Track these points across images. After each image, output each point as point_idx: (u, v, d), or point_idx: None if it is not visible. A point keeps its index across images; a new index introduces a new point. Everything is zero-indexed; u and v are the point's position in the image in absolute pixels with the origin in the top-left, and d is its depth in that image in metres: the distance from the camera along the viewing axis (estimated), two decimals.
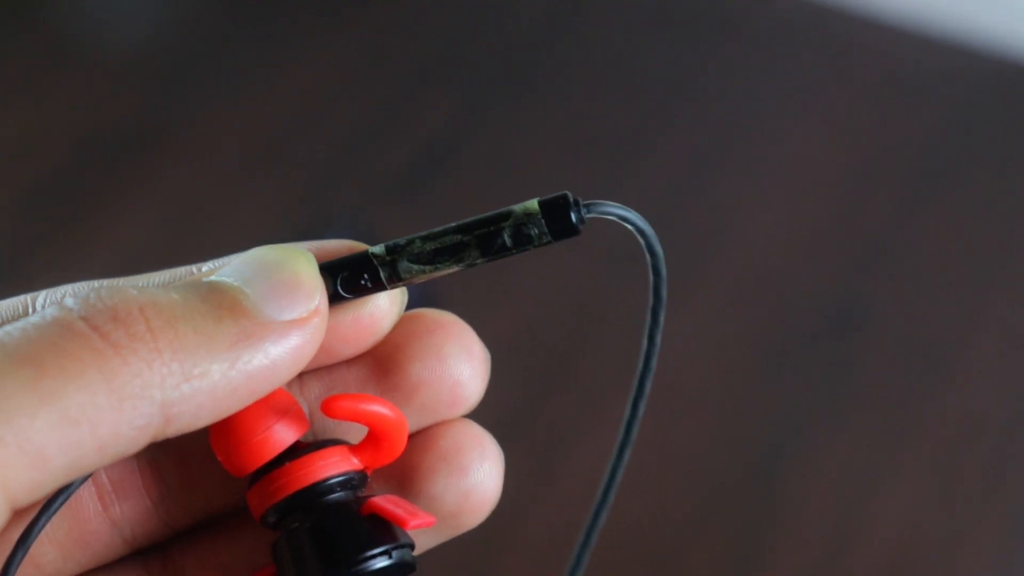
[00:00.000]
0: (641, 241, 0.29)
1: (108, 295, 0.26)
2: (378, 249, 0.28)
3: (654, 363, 0.32)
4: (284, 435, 0.28)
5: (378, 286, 0.28)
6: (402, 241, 0.28)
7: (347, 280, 0.28)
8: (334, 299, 0.28)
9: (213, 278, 0.27)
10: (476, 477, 0.30)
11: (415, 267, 0.28)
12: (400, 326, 0.29)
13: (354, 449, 0.28)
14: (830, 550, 1.00)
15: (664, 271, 0.31)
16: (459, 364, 0.29)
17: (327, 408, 0.27)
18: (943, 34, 1.36)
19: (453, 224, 0.29)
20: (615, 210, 0.29)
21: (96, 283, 0.27)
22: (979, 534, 1.01)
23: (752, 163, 1.27)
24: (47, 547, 0.29)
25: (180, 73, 1.35)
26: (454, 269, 0.29)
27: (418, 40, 1.38)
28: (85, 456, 0.25)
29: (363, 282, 0.28)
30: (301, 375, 0.29)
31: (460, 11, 1.41)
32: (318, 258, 0.28)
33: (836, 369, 1.10)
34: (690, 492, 1.02)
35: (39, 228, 1.21)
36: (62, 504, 0.27)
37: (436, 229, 0.29)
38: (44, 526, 0.27)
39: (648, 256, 0.30)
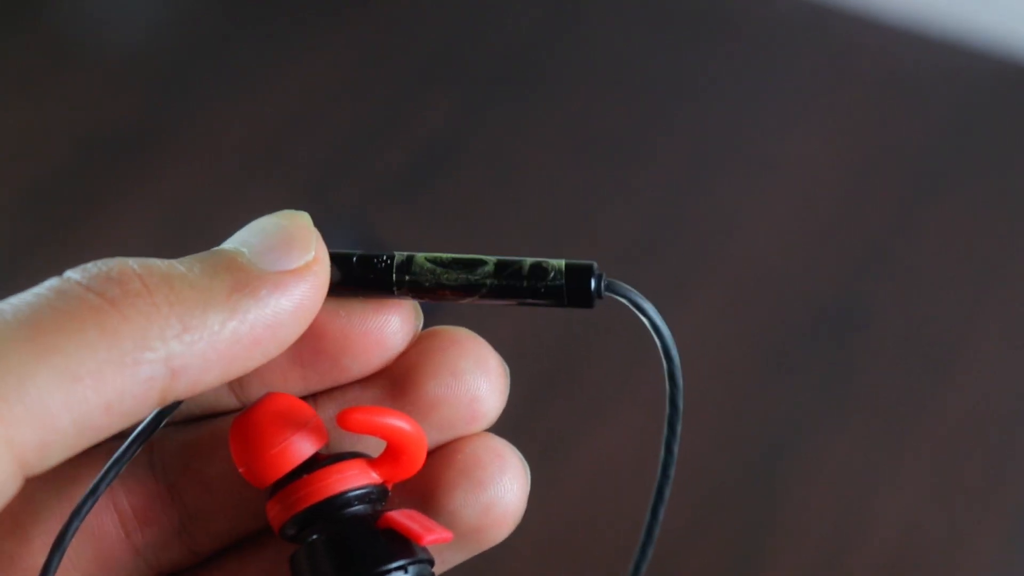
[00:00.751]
0: (657, 341, 0.29)
1: (104, 262, 0.26)
2: (398, 257, 0.28)
3: (672, 473, 0.32)
4: (304, 446, 0.27)
5: (383, 284, 0.28)
6: (418, 254, 0.28)
7: (356, 267, 0.28)
8: (339, 290, 0.28)
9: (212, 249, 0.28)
10: (496, 491, 0.29)
11: (426, 268, 0.28)
12: (415, 344, 0.29)
13: (373, 463, 0.28)
14: (830, 550, 1.00)
15: (680, 379, 0.30)
16: (476, 379, 0.29)
17: (343, 420, 0.27)
18: (943, 34, 1.36)
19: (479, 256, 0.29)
20: (636, 298, 0.29)
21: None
22: (979, 534, 1.01)
23: (752, 163, 1.27)
24: (71, 573, 0.29)
25: (180, 73, 1.35)
26: (461, 294, 0.28)
27: (418, 40, 1.38)
28: (92, 415, 0.25)
29: (370, 277, 0.28)
30: (316, 395, 0.29)
31: (460, 11, 1.41)
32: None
33: (836, 369, 1.10)
34: (690, 492, 1.02)
35: (39, 228, 1.21)
36: (91, 506, 0.27)
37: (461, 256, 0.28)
38: (77, 528, 0.27)
39: (664, 361, 0.30)
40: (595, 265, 0.28)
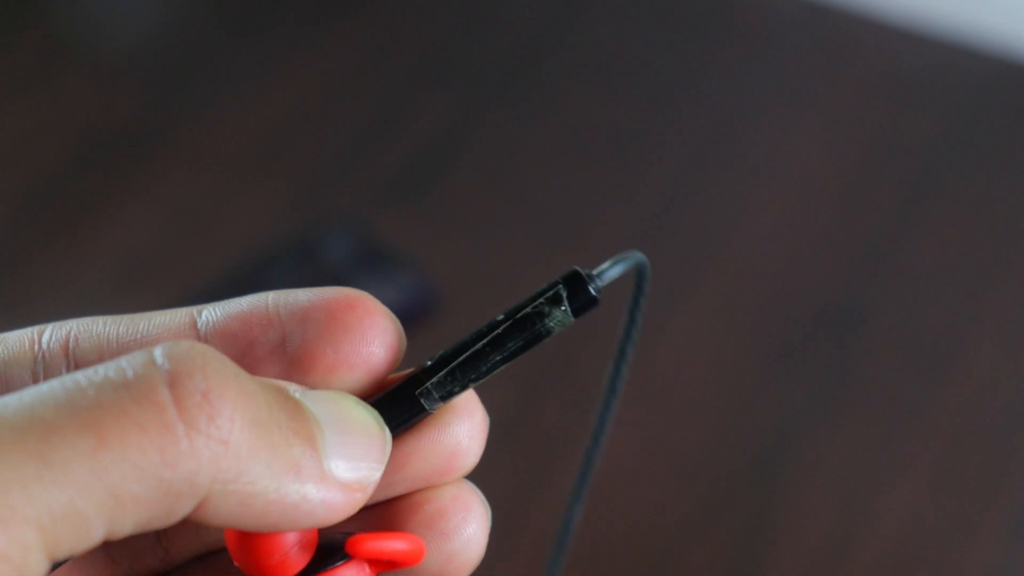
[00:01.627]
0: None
1: (203, 363, 0.25)
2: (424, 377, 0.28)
3: (621, 385, 0.32)
4: (299, 557, 0.27)
5: (417, 413, 0.28)
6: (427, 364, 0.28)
7: (388, 411, 0.28)
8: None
9: (300, 397, 0.27)
10: (459, 541, 0.29)
11: (443, 378, 0.28)
12: None
13: (374, 563, 0.28)
14: (830, 549, 1.00)
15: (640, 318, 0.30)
16: (458, 432, 0.29)
17: (352, 548, 0.27)
18: (943, 34, 1.36)
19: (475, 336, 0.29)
20: (620, 266, 0.29)
21: (191, 343, 0.26)
22: (979, 534, 1.01)
23: (752, 163, 1.27)
24: None
25: (180, 73, 1.35)
26: (486, 371, 0.28)
27: (418, 40, 1.38)
28: (122, 529, 0.24)
29: (405, 418, 0.28)
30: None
31: (460, 11, 1.41)
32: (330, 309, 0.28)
33: (835, 368, 1.10)
34: (690, 492, 1.02)
35: (39, 228, 1.21)
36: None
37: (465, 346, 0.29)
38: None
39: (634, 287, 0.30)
40: (561, 285, 0.28)
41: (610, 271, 0.29)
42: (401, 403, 0.28)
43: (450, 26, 1.40)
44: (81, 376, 0.24)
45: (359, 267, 1.15)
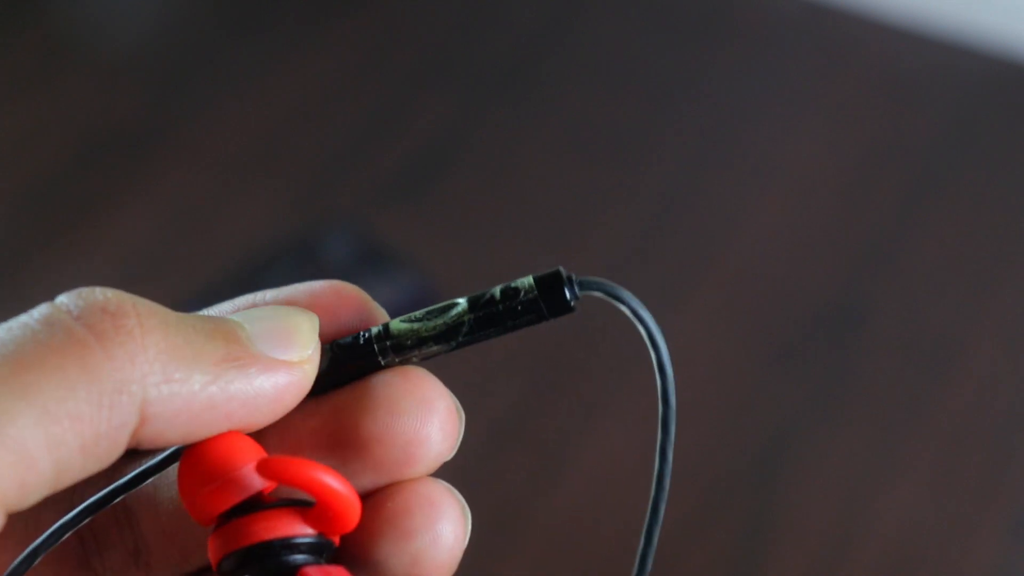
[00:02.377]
0: (641, 330, 0.28)
1: (103, 291, 0.26)
2: (374, 329, 0.28)
3: (667, 483, 0.30)
4: (241, 487, 0.27)
5: (368, 359, 0.28)
6: (390, 320, 0.28)
7: (339, 352, 0.28)
8: (327, 380, 0.28)
9: (214, 313, 0.28)
10: (424, 541, 0.28)
11: (403, 329, 0.28)
12: (365, 380, 0.28)
13: (308, 513, 0.27)
14: (830, 549, 1.00)
15: (670, 369, 0.29)
16: (414, 419, 0.27)
17: (261, 467, 0.26)
18: (943, 34, 1.36)
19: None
20: (613, 290, 0.28)
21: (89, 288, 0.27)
22: (979, 534, 1.01)
23: (752, 163, 1.27)
24: None
25: (180, 73, 1.35)
26: (445, 341, 0.28)
27: (418, 40, 1.38)
28: (69, 457, 0.24)
29: (355, 357, 0.28)
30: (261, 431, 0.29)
31: (460, 11, 1.41)
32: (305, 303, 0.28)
33: (836, 369, 1.10)
34: (690, 492, 1.02)
35: (39, 228, 1.21)
36: (28, 568, 0.27)
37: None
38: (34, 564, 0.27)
39: (651, 350, 0.28)
40: (562, 269, 0.28)
41: (600, 288, 0.28)
42: (355, 349, 0.28)
43: (450, 26, 1.40)
44: None
45: (359, 267, 1.15)
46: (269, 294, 0.29)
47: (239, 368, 0.26)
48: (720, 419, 1.07)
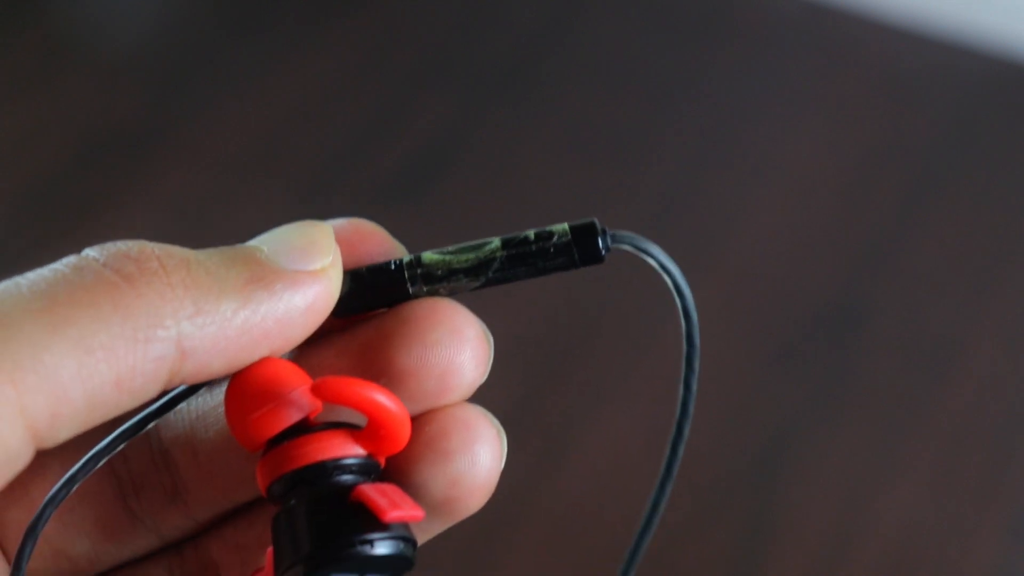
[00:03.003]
0: (668, 280, 0.29)
1: (124, 242, 0.26)
2: (406, 257, 0.29)
3: (691, 409, 0.31)
4: (290, 412, 0.27)
5: (398, 285, 0.28)
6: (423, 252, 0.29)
7: (368, 275, 0.29)
8: (355, 303, 0.28)
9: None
10: (462, 463, 0.28)
11: (435, 259, 0.28)
12: (393, 313, 0.29)
13: (358, 435, 0.28)
14: (830, 550, 1.00)
15: (695, 314, 0.30)
16: (448, 351, 0.28)
17: (317, 389, 0.27)
18: (943, 34, 1.36)
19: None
20: (642, 244, 0.29)
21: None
22: (979, 534, 1.01)
23: (752, 163, 1.27)
24: (77, 537, 0.29)
25: (180, 73, 1.35)
26: (475, 275, 0.28)
27: (418, 40, 1.38)
28: (103, 389, 0.25)
29: (383, 281, 0.29)
30: (295, 357, 0.30)
31: (460, 11, 1.41)
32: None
33: (835, 369, 1.10)
34: (689, 492, 1.02)
35: (39, 228, 1.21)
36: (65, 496, 0.27)
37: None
38: (49, 517, 0.27)
39: (677, 298, 0.29)
40: (597, 221, 0.29)
41: (630, 242, 0.29)
42: (385, 274, 0.28)
43: (450, 26, 1.40)
44: (19, 278, 0.26)
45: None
46: (285, 225, 0.29)
47: (265, 287, 0.27)
48: (720, 419, 1.07)
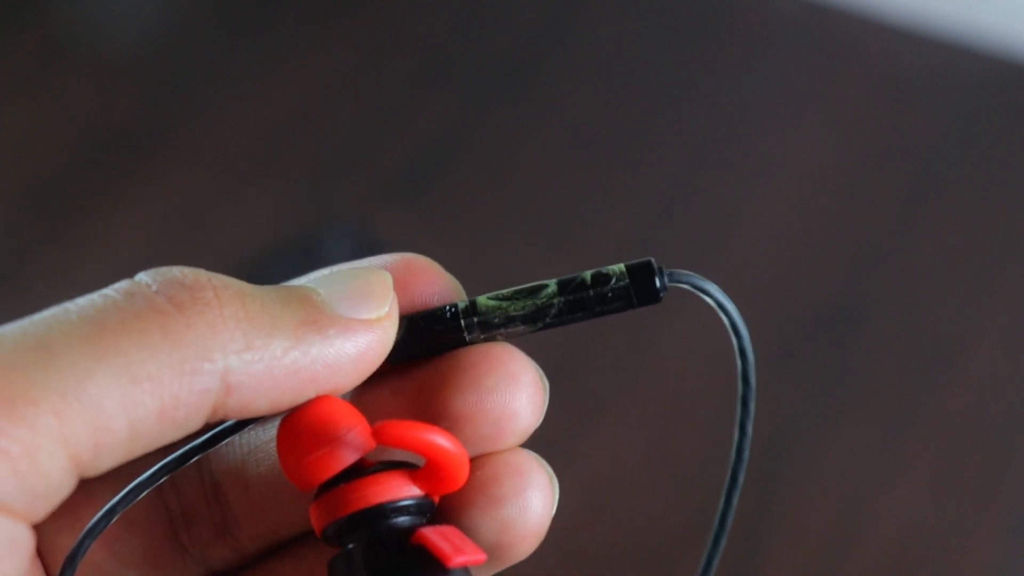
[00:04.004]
0: (725, 320, 0.29)
1: (179, 269, 0.26)
2: (461, 304, 0.28)
3: (747, 455, 0.31)
4: (346, 453, 0.27)
5: (454, 332, 0.28)
6: (478, 297, 0.28)
7: (422, 322, 0.28)
8: (410, 350, 0.28)
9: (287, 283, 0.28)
10: (513, 509, 0.28)
11: (491, 306, 0.28)
12: (449, 357, 0.28)
13: (416, 475, 0.27)
14: (830, 550, 1.00)
15: (751, 353, 0.30)
16: (504, 397, 0.28)
17: (379, 434, 0.26)
18: (943, 34, 1.36)
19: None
20: (700, 283, 0.29)
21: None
22: (979, 534, 1.01)
23: (752, 163, 1.27)
24: (124, 568, 0.29)
25: (180, 73, 1.35)
26: (532, 321, 0.28)
27: (418, 40, 1.38)
28: (146, 420, 0.25)
29: (438, 328, 0.28)
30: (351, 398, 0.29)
31: (460, 11, 1.41)
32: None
33: (835, 369, 1.10)
34: (689, 492, 1.02)
35: (39, 228, 1.21)
36: (105, 527, 0.27)
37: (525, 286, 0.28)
38: (88, 548, 0.26)
39: (733, 337, 0.30)
40: (653, 261, 0.28)
41: (688, 281, 0.29)
42: (441, 321, 0.28)
43: (450, 26, 1.40)
44: (69, 304, 0.25)
45: None
46: (342, 267, 0.29)
47: (318, 331, 0.26)
48: (720, 419, 1.07)
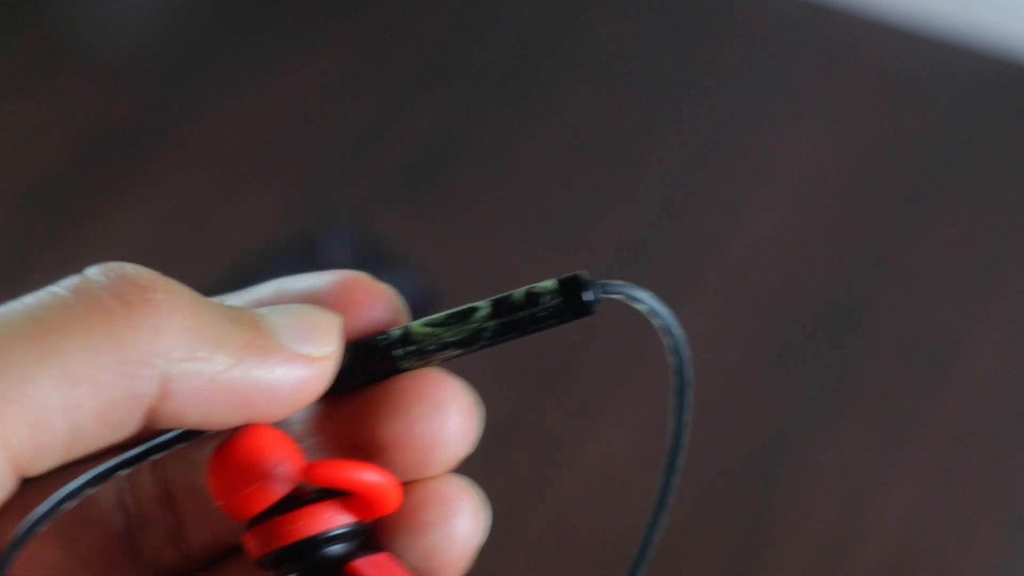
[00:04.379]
0: (656, 324, 0.29)
1: (133, 266, 0.26)
2: (396, 332, 0.28)
3: (684, 441, 0.31)
4: (278, 486, 0.27)
5: (388, 362, 0.28)
6: (412, 323, 0.28)
7: (357, 352, 0.28)
8: (345, 382, 0.28)
9: (237, 300, 0.28)
10: (438, 536, 0.28)
11: (425, 333, 0.28)
12: (384, 383, 0.28)
13: (349, 502, 0.27)
14: (830, 550, 1.00)
15: (685, 352, 0.30)
16: (430, 424, 0.28)
17: (308, 474, 0.26)
18: (943, 34, 1.36)
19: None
20: (631, 292, 0.28)
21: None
22: (979, 534, 1.01)
23: (752, 163, 1.27)
24: (79, 567, 0.29)
25: (180, 73, 1.35)
26: (466, 345, 0.28)
27: (418, 40, 1.38)
28: (85, 422, 0.25)
29: (374, 359, 0.28)
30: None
31: (460, 11, 1.41)
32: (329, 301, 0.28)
33: (836, 369, 1.10)
34: (689, 492, 1.02)
35: (39, 228, 1.21)
36: (29, 538, 0.26)
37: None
38: (13, 559, 0.26)
39: (666, 337, 0.29)
40: (582, 274, 0.28)
41: (618, 291, 0.28)
42: (375, 352, 0.28)
43: (450, 26, 1.40)
44: (16, 302, 0.25)
45: (359, 267, 1.14)
46: (288, 282, 0.29)
47: (261, 356, 0.26)
48: (720, 419, 1.07)
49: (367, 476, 0.27)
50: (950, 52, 1.36)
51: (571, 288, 0.28)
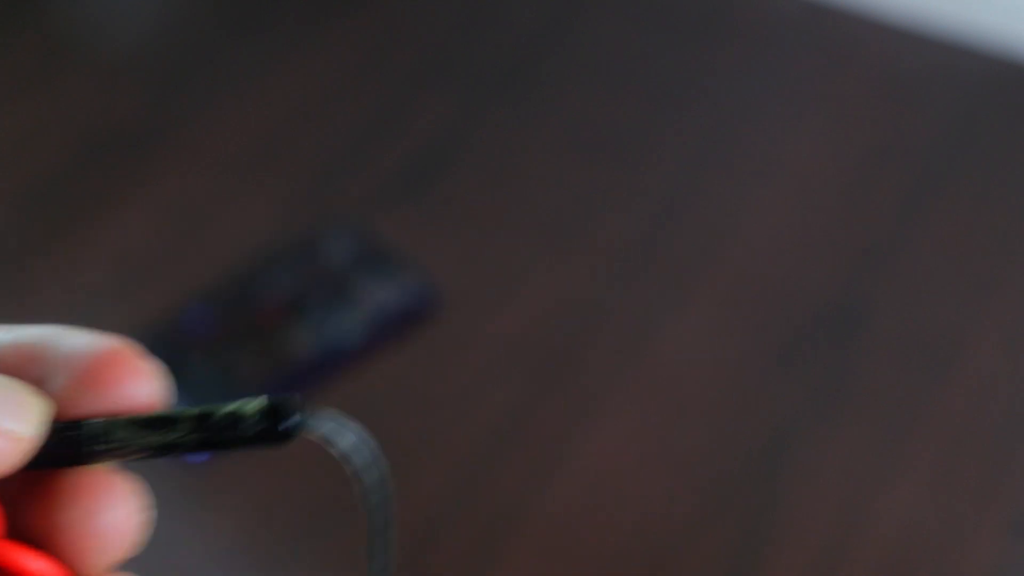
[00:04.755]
0: (347, 469, 0.28)
1: None
2: (97, 424, 0.28)
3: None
4: None
5: (79, 454, 0.28)
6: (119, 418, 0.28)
7: (58, 435, 0.28)
8: (42, 457, 0.28)
9: None
10: None
11: (122, 437, 0.28)
12: (69, 471, 0.29)
13: None
14: (830, 550, 1.00)
15: (386, 490, 0.28)
16: (98, 519, 0.28)
17: None
18: (943, 34, 1.36)
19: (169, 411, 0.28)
20: (330, 435, 0.28)
21: None
22: (979, 534, 1.01)
23: (753, 163, 1.27)
24: None
25: (180, 73, 1.35)
26: (158, 453, 0.28)
27: (418, 40, 1.38)
28: None
29: (60, 449, 0.28)
30: None
31: (460, 11, 1.41)
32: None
33: (836, 369, 1.10)
34: (689, 492, 1.02)
35: (39, 228, 1.21)
36: None
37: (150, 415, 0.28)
38: None
39: (356, 481, 0.28)
40: (287, 403, 0.28)
41: (319, 430, 0.28)
42: (68, 442, 0.28)
43: (450, 26, 1.40)
44: None
45: (359, 267, 1.15)
46: (60, 335, 0.28)
47: None
48: (720, 419, 1.07)
49: (31, 564, 0.27)
50: (950, 52, 1.36)
51: (271, 418, 0.28)
